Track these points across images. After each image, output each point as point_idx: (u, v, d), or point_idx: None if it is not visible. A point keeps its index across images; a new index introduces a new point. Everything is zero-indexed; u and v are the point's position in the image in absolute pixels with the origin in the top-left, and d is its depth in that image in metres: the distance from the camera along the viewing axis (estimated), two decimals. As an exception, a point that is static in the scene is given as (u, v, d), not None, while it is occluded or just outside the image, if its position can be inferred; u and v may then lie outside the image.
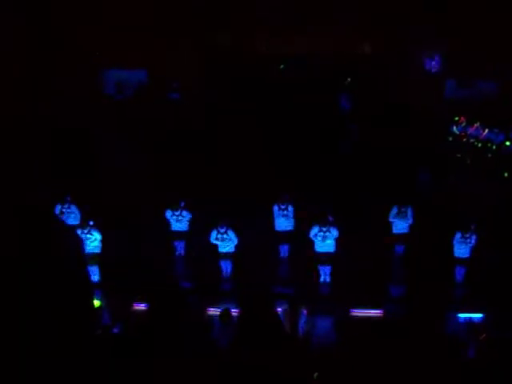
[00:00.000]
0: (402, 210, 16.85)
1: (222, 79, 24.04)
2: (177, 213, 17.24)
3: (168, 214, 17.31)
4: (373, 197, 18.15)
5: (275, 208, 17.14)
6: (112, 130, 23.24)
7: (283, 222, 17.14)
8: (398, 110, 23.47)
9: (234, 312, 11.32)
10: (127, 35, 23.73)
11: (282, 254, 17.42)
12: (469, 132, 24.57)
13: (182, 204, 17.37)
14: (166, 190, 18.08)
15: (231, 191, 18.89)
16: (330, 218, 15.98)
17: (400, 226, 16.89)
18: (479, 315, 13.75)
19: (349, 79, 25.47)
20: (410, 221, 16.83)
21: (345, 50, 24.41)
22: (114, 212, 17.08)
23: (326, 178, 20.16)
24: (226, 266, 16.21)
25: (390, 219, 16.89)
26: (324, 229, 15.62)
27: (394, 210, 16.89)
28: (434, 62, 25.30)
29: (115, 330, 10.34)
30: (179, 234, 17.45)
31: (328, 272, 15.85)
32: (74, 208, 17.70)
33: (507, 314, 13.65)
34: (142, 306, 12.89)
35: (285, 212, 17.09)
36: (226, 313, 11.11)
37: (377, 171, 20.33)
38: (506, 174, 21.93)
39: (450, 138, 24.76)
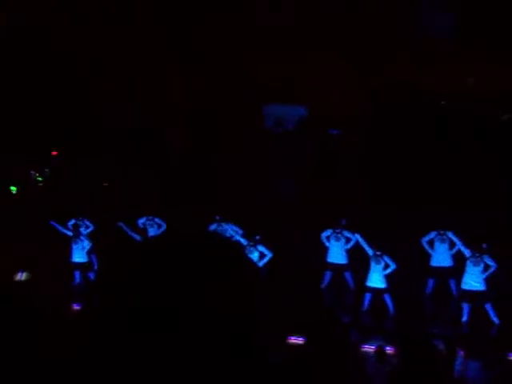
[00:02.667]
0: None
1: (386, 116, 24.02)
2: (337, 230, 17.31)
3: (326, 233, 17.45)
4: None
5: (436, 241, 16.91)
6: (270, 160, 23.76)
7: (441, 257, 16.86)
8: None
9: (389, 350, 11.23)
10: (289, 70, 24.15)
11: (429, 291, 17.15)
12: None
13: (344, 222, 17.47)
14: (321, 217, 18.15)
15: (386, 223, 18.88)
16: (484, 246, 15.50)
17: None
18: None
19: (506, 116, 24.83)
20: None
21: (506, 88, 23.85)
22: (270, 240, 17.30)
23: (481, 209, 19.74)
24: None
25: None
26: (477, 256, 15.24)
27: None
28: None
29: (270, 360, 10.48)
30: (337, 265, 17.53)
31: (492, 311, 15.32)
32: (158, 220, 18.59)
33: None
34: (297, 340, 12.87)
35: (442, 246, 16.78)
36: (380, 350, 11.04)
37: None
38: None
39: None
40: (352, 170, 22.64)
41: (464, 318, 15.40)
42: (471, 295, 15.23)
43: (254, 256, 16.11)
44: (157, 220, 18.97)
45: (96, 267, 17.54)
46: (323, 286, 17.69)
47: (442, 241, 16.77)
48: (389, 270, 15.83)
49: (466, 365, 13.71)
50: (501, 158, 23.01)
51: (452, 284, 16.80)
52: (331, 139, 24.82)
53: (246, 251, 16.06)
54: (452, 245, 16.67)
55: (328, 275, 17.63)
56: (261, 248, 16.31)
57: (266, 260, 16.24)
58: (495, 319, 15.19)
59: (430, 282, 17.03)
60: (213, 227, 17.81)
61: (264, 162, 23.68)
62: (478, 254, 15.18)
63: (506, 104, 24.37)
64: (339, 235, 17.29)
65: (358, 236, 16.57)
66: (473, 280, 15.17)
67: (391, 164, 22.71)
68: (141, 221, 18.92)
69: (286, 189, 22.44)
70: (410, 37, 23.44)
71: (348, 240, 17.31)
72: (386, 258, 15.81)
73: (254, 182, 22.49)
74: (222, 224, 17.97)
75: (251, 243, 16.26)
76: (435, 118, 23.77)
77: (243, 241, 16.45)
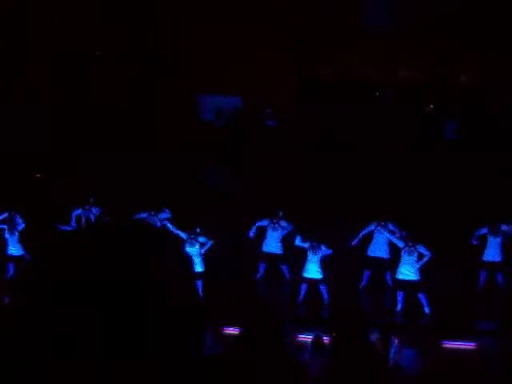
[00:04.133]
0: (495, 229, 16.56)
1: (319, 108, 24.19)
2: (275, 221, 17.31)
3: (263, 223, 17.40)
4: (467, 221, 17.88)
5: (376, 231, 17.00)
6: (210, 154, 23.73)
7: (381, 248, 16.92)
8: (500, 138, 23.13)
9: (326, 339, 11.31)
10: (224, 60, 24.15)
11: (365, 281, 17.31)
12: None
13: (281, 213, 17.47)
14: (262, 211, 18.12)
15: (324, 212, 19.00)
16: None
17: (493, 252, 16.57)
18: None
19: (431, 106, 25.25)
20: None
21: (442, 78, 24.23)
22: (207, 232, 17.27)
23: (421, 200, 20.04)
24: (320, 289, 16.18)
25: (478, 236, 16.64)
26: (410, 246, 15.47)
27: (485, 230, 16.61)
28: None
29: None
30: (276, 256, 17.55)
31: (425, 301, 15.58)
32: (95, 209, 18.42)
33: None
34: (232, 330, 12.91)
35: (382, 237, 16.95)
36: (317, 340, 11.12)
37: (475, 194, 20.03)
38: None
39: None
40: (289, 162, 22.70)
41: (398, 307, 15.63)
42: (406, 285, 15.47)
43: (196, 248, 16.08)
44: (94, 210, 18.66)
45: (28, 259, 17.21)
46: (258, 276, 17.72)
47: (382, 232, 16.89)
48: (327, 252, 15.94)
49: (401, 353, 13.91)
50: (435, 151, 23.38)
51: (388, 275, 17.02)
52: (268, 131, 24.89)
53: (188, 244, 16.02)
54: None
55: (263, 266, 17.66)
56: (201, 239, 16.29)
57: (208, 246, 16.26)
58: (427, 309, 15.45)
59: (366, 273, 17.16)
60: (143, 215, 17.65)
61: (201, 153, 23.65)
62: (411, 244, 15.41)
63: (432, 96, 24.82)
64: (276, 225, 17.30)
65: (291, 227, 16.66)
66: (407, 270, 15.40)
67: (329, 156, 22.84)
68: (76, 212, 18.58)
69: (222, 181, 22.43)
70: (348, 30, 23.63)
71: (283, 228, 17.32)
72: (324, 248, 15.89)
73: (192, 173, 22.46)
74: (153, 213, 17.82)
75: (192, 236, 16.21)
76: (373, 111, 24.04)
77: (183, 234, 16.39)
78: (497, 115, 24.02)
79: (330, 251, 15.93)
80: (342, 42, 23.61)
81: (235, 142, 24.33)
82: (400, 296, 15.64)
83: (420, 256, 15.39)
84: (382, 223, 16.83)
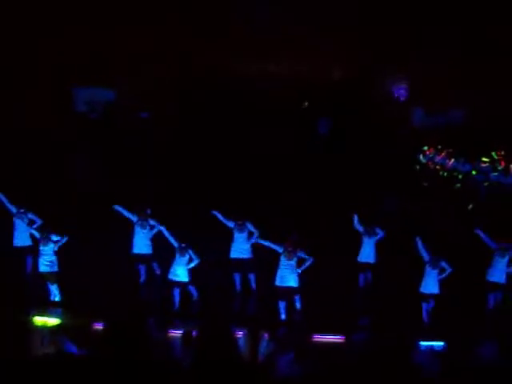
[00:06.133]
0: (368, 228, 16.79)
1: (193, 100, 24.13)
2: (142, 218, 16.81)
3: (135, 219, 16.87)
4: (339, 223, 18.11)
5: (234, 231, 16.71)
6: (84, 146, 23.30)
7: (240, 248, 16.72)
8: (367, 137, 23.64)
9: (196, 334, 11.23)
10: (98, 52, 23.79)
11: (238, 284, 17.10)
12: (435, 161, 24.68)
13: (149, 211, 17.09)
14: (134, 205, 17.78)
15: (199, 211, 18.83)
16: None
17: (367, 252, 16.79)
18: (441, 343, 13.73)
19: (306, 103, 25.63)
20: (381, 234, 16.73)
21: (316, 76, 24.58)
22: (77, 228, 16.86)
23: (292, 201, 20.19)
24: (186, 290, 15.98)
25: (357, 227, 16.74)
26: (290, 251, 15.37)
27: (360, 228, 16.78)
28: (401, 91, 25.52)
29: (73, 350, 10.20)
30: (144, 256, 17.14)
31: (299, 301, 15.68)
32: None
33: (469, 341, 13.69)
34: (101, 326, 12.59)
35: (242, 236, 16.73)
36: (187, 335, 11.04)
37: (343, 196, 20.35)
38: (470, 206, 22.01)
39: (418, 167, 24.88)
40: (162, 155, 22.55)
41: (283, 317, 15.58)
42: (287, 291, 15.38)
43: (50, 247, 15.63)
44: None
45: None
46: (142, 280, 17.23)
47: (241, 231, 16.74)
48: (193, 264, 15.72)
49: (271, 347, 13.92)
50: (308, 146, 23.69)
51: (252, 277, 16.96)
52: (141, 123, 24.59)
53: (41, 243, 15.55)
54: (251, 234, 16.67)
55: (142, 269, 17.22)
56: (54, 237, 15.76)
57: (61, 243, 15.73)
58: (298, 305, 15.58)
59: (236, 277, 17.02)
60: (12, 209, 17.03)
61: (71, 148, 23.21)
62: (290, 249, 15.35)
63: (307, 92, 25.17)
64: (144, 223, 16.85)
65: (163, 228, 16.25)
66: (288, 276, 15.34)
67: (200, 151, 22.79)
68: None
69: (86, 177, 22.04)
70: (220, 24, 23.68)
71: (152, 227, 16.87)
72: (191, 252, 15.66)
73: (61, 171, 22.00)
74: (22, 211, 17.21)
75: (44, 235, 15.70)
76: (243, 105, 24.13)
77: (37, 234, 15.98)
78: (368, 113, 24.59)
79: (198, 260, 15.74)
80: (213, 36, 23.62)
81: (107, 134, 23.96)
82: (282, 304, 15.49)
83: (301, 261, 15.37)
84: (240, 223, 16.65)
